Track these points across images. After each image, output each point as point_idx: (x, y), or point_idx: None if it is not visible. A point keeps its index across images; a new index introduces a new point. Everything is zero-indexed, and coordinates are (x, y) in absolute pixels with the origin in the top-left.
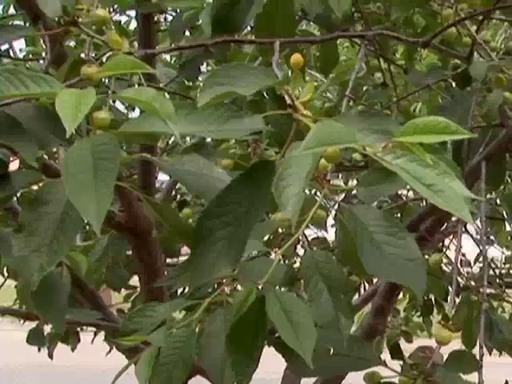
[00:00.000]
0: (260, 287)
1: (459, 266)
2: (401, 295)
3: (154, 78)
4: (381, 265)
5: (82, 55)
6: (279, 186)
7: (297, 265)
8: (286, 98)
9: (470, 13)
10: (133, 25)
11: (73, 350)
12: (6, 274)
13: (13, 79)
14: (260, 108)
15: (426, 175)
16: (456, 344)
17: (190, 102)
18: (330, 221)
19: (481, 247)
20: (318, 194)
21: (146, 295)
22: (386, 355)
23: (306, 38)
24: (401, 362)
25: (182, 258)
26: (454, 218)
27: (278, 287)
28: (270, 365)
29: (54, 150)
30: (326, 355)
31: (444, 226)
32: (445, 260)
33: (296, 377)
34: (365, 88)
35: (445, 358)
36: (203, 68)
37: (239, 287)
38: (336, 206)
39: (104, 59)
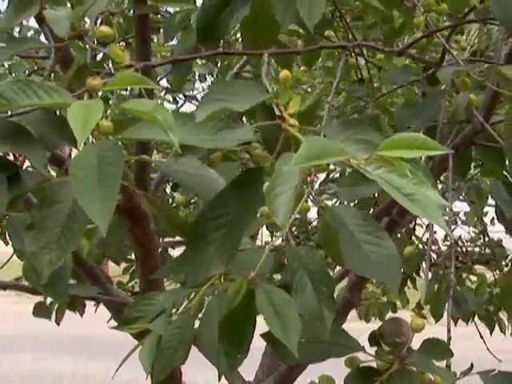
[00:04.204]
0: (250, 280)
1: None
2: None
3: (150, 73)
4: (360, 261)
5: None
6: (270, 195)
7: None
8: (275, 109)
9: (438, 19)
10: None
11: (81, 315)
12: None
13: (26, 89)
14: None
15: (405, 185)
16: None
17: (185, 112)
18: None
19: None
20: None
21: (142, 273)
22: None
23: (291, 50)
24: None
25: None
26: None
27: (268, 275)
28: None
29: None
30: (311, 343)
31: None
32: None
33: None
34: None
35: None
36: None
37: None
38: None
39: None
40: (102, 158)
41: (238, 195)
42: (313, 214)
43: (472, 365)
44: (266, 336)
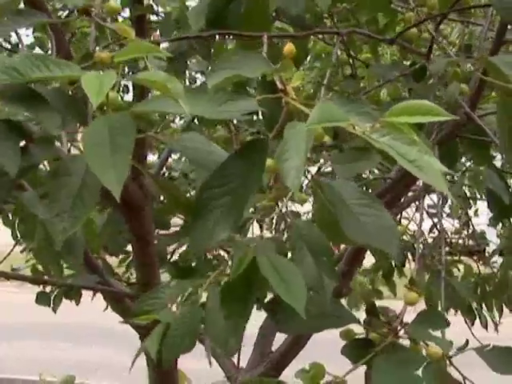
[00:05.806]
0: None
1: (415, 235)
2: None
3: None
4: (359, 233)
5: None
6: (281, 159)
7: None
8: (278, 83)
9: (429, 13)
10: None
11: (77, 304)
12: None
13: (38, 63)
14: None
15: (409, 152)
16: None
17: (190, 87)
18: None
19: (435, 220)
20: None
21: (139, 264)
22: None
23: (289, 34)
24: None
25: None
26: (409, 194)
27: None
28: None
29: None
30: (310, 314)
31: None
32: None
33: (271, 333)
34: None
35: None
36: None
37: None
38: (310, 179)
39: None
40: (113, 130)
41: (242, 164)
42: (305, 208)
43: (467, 341)
44: (266, 306)
